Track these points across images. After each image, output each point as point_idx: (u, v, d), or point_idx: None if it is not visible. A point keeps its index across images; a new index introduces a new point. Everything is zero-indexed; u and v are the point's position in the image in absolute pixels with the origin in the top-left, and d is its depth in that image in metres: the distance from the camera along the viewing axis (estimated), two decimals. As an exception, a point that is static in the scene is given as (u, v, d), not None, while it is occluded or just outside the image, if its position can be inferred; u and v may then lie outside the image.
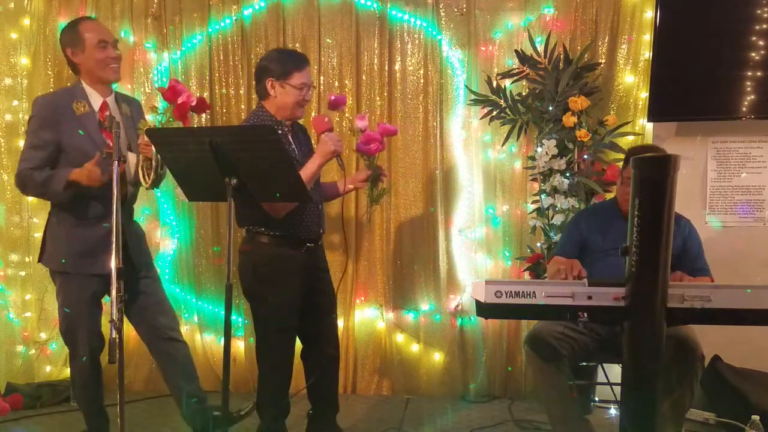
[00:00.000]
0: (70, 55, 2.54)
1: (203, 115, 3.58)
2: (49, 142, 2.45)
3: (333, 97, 2.69)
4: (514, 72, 3.42)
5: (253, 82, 2.63)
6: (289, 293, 2.53)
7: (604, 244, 2.69)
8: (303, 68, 2.53)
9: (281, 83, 2.50)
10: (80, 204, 2.50)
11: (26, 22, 3.61)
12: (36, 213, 3.63)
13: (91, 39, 2.49)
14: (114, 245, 2.05)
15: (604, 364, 2.90)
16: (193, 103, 2.41)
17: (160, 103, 2.64)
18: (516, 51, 3.40)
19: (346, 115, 3.55)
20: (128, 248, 2.51)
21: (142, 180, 2.50)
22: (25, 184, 2.48)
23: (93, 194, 2.46)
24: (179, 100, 2.37)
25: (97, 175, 2.35)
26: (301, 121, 2.73)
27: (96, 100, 2.54)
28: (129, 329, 3.60)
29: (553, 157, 3.28)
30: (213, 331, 3.69)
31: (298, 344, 2.69)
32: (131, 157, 2.53)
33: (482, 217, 3.54)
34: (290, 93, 2.50)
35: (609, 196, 3.21)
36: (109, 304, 2.01)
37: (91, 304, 2.56)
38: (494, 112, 3.41)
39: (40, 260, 2.63)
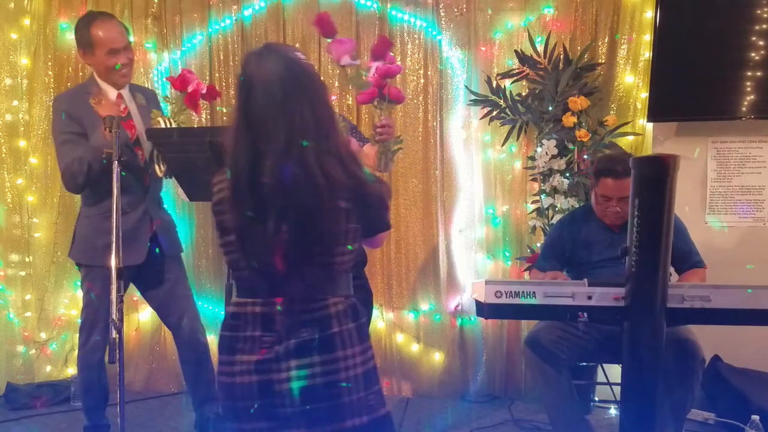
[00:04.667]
0: (81, 56, 2.58)
1: (203, 115, 3.59)
2: (76, 134, 2.48)
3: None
4: (514, 72, 3.42)
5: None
6: None
7: (590, 257, 2.67)
8: None
9: None
10: (103, 197, 2.51)
11: (26, 22, 3.61)
12: (36, 213, 3.63)
13: (101, 46, 2.48)
14: (114, 243, 2.05)
15: (604, 364, 2.90)
16: (203, 91, 2.43)
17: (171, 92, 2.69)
18: (516, 51, 3.40)
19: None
20: (156, 237, 2.62)
21: (156, 168, 2.52)
22: (73, 173, 2.45)
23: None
24: (190, 88, 2.40)
25: (110, 102, 2.39)
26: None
27: (112, 93, 2.57)
28: (129, 329, 3.63)
29: (553, 157, 3.28)
30: (213, 331, 3.68)
31: None
32: (147, 146, 2.55)
33: (482, 217, 3.54)
34: None
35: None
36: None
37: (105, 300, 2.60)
38: (494, 112, 3.40)
39: (69, 254, 2.70)
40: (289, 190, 1.48)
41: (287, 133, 1.48)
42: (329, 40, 2.22)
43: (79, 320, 2.70)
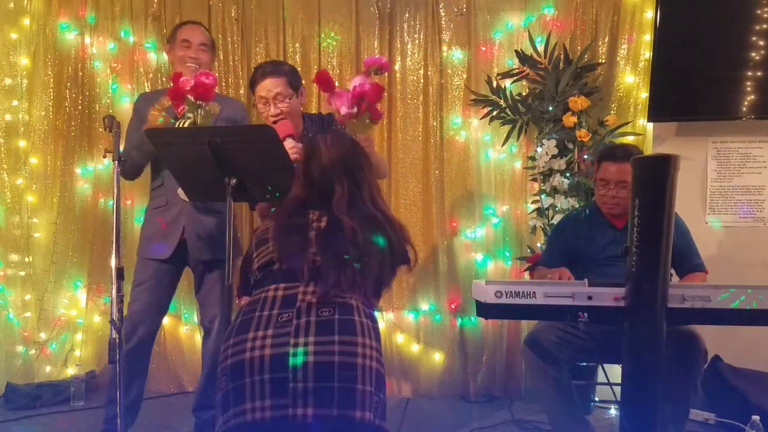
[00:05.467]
0: (167, 52, 2.88)
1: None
2: (140, 128, 2.57)
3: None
4: (514, 72, 3.42)
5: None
6: None
7: (593, 254, 2.66)
8: (257, 82, 2.44)
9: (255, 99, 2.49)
10: (154, 193, 2.75)
11: (26, 22, 3.61)
12: (36, 213, 3.63)
13: (179, 37, 2.72)
14: (114, 244, 2.06)
15: (604, 364, 2.90)
16: (187, 88, 2.30)
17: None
18: (516, 51, 3.40)
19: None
20: (185, 240, 2.67)
21: (178, 192, 2.53)
22: (126, 160, 2.52)
23: (156, 185, 2.71)
24: (180, 83, 2.30)
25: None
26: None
27: None
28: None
29: (553, 157, 3.28)
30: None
31: None
32: None
33: (482, 217, 3.54)
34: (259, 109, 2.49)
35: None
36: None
37: (146, 288, 2.66)
38: (494, 112, 3.41)
39: None
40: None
41: (349, 183, 1.85)
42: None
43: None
